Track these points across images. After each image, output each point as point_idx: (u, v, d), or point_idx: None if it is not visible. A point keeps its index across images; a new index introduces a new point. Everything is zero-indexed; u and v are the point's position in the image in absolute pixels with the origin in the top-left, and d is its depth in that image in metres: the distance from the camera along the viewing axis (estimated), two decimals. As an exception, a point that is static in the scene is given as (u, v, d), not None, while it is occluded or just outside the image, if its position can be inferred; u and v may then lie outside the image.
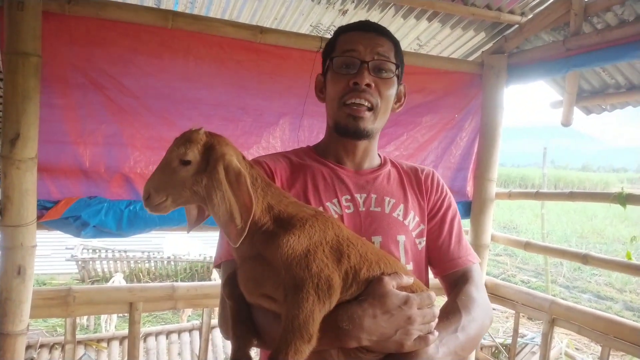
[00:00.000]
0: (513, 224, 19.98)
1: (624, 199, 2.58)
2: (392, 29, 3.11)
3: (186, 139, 1.01)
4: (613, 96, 3.22)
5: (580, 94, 3.33)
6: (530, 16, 3.07)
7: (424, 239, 1.37)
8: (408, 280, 1.06)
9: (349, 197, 1.32)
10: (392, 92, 1.33)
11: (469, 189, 3.30)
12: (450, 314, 1.16)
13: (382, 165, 1.43)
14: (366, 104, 1.27)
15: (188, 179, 1.00)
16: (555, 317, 2.79)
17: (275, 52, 2.57)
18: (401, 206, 1.35)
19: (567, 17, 2.82)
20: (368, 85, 1.26)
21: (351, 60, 1.28)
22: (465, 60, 3.42)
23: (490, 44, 3.31)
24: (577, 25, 2.74)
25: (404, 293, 1.02)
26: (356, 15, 3.00)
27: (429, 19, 3.09)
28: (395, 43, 1.36)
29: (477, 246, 3.24)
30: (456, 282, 1.32)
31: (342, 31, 1.37)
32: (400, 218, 1.33)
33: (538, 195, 3.36)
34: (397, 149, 3.06)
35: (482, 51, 3.32)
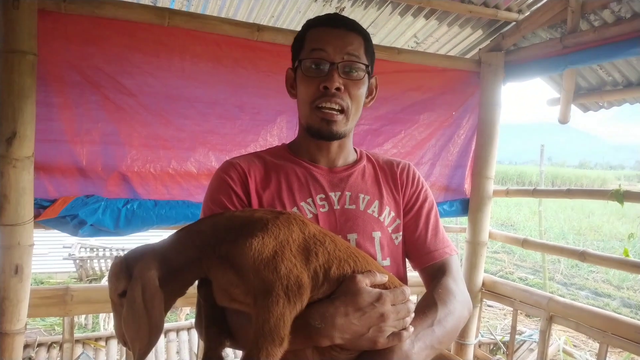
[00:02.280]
0: (511, 221, 20.01)
1: (621, 196, 2.59)
2: (389, 26, 3.16)
3: (110, 275, 1.00)
4: (610, 93, 3.23)
5: (578, 91, 3.34)
6: (527, 13, 3.07)
7: (401, 233, 1.36)
8: (382, 278, 1.05)
9: (323, 195, 1.32)
10: (363, 91, 1.31)
11: (467, 186, 3.30)
12: (426, 307, 1.16)
13: (357, 162, 1.42)
14: (337, 107, 1.26)
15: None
16: (553, 314, 2.80)
17: (273, 50, 2.57)
18: (376, 202, 1.35)
19: (564, 14, 2.82)
20: (338, 88, 1.24)
21: (320, 61, 1.25)
22: (462, 57, 3.42)
23: (488, 42, 3.32)
24: (574, 23, 2.74)
25: (376, 290, 1.01)
26: (353, 13, 3.00)
27: (426, 17, 3.09)
28: (366, 37, 1.32)
29: (475, 243, 3.25)
30: (434, 275, 1.32)
31: (310, 26, 1.33)
32: (376, 214, 1.33)
33: (535, 193, 3.36)
34: (395, 147, 3.07)
35: (480, 49, 3.33)
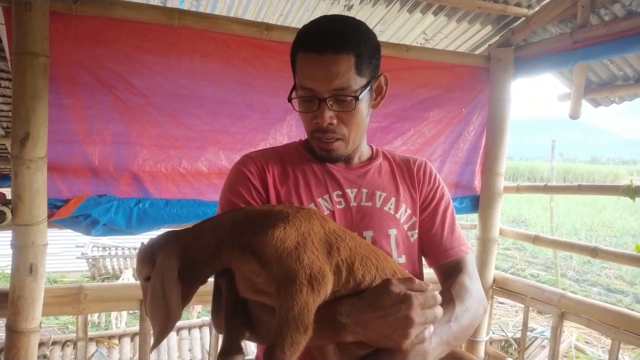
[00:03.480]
0: (522, 218, 19.90)
1: (633, 192, 2.57)
2: (397, 23, 3.15)
3: (137, 260, 1.04)
4: (621, 88, 3.21)
5: (588, 86, 3.32)
6: (537, 8, 3.05)
7: (417, 231, 1.36)
8: (421, 285, 1.02)
9: (340, 192, 1.32)
10: (361, 112, 1.25)
11: (477, 183, 3.29)
12: (444, 304, 1.11)
13: (373, 158, 1.42)
14: (332, 140, 1.25)
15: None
16: (564, 310, 2.78)
17: (281, 49, 2.57)
18: (392, 199, 1.34)
19: (574, 9, 2.80)
20: (331, 123, 1.22)
21: (309, 98, 1.22)
22: (471, 53, 3.41)
23: (497, 37, 3.30)
24: (584, 17, 2.72)
25: (405, 292, 0.99)
26: (362, 10, 3.00)
27: (435, 13, 3.09)
28: (358, 50, 1.18)
29: (486, 240, 3.24)
30: (450, 273, 1.31)
31: (298, 46, 1.24)
32: (392, 212, 1.33)
33: (546, 189, 3.34)
34: (404, 144, 3.06)
35: (489, 44, 3.31)
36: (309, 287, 0.93)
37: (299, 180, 1.32)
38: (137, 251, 1.06)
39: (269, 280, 0.98)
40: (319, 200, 1.29)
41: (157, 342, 0.99)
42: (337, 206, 1.30)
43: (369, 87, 1.24)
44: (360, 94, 1.20)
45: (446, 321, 1.11)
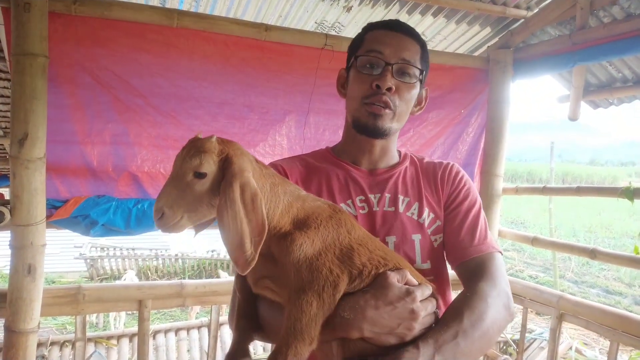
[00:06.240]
0: (520, 219, 19.91)
1: (631, 194, 2.57)
2: (397, 25, 3.14)
3: (198, 148, 0.92)
4: (620, 90, 3.21)
5: (587, 88, 3.32)
6: (535, 10, 3.06)
7: (441, 235, 1.34)
8: (412, 279, 1.05)
9: (363, 197, 1.32)
10: (413, 95, 1.32)
11: (476, 184, 3.29)
12: (450, 317, 1.09)
13: (399, 163, 1.42)
14: (385, 105, 1.27)
15: (204, 193, 0.92)
16: (563, 312, 2.78)
17: (280, 50, 2.58)
18: (416, 204, 1.34)
19: (573, 11, 2.81)
20: (389, 88, 1.25)
21: (376, 60, 1.27)
22: (471, 55, 3.41)
23: (496, 39, 3.30)
24: (583, 19, 2.73)
25: (406, 286, 1.02)
26: (360, 12, 3.00)
27: (434, 15, 3.09)
28: (422, 46, 1.34)
29: (484, 242, 3.24)
30: (469, 276, 1.24)
31: (370, 28, 1.35)
32: (415, 217, 1.32)
33: (545, 191, 3.34)
34: (404, 145, 3.07)
35: (488, 46, 3.32)
36: (319, 301, 0.94)
37: (322, 185, 1.33)
38: (190, 140, 0.96)
39: (284, 283, 0.99)
40: (342, 205, 1.29)
41: (251, 251, 0.91)
42: (360, 211, 1.30)
43: (423, 79, 1.35)
44: (421, 75, 1.31)
45: (452, 338, 1.03)
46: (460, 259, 1.29)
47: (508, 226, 9.65)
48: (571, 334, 6.67)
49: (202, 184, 0.91)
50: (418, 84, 1.32)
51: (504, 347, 5.42)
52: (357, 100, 1.30)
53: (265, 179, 0.99)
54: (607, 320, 2.54)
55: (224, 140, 0.98)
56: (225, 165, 0.92)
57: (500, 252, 1.31)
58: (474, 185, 1.43)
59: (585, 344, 6.68)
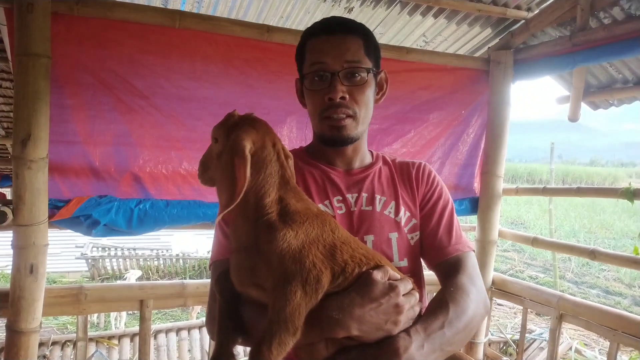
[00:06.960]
0: (521, 220, 19.91)
1: (631, 194, 2.58)
2: (397, 25, 3.16)
3: (222, 120, 1.11)
4: (620, 91, 3.22)
5: (587, 89, 3.33)
6: (536, 11, 3.06)
7: (417, 233, 1.36)
8: (395, 274, 1.08)
9: (340, 197, 1.33)
10: (369, 93, 1.31)
11: (476, 185, 3.30)
12: (437, 308, 1.13)
13: (373, 163, 1.43)
14: (344, 116, 1.27)
15: (214, 155, 1.10)
16: (563, 312, 2.79)
17: (282, 51, 2.58)
18: (392, 203, 1.36)
19: (573, 12, 2.81)
20: (343, 97, 1.25)
21: (321, 72, 1.26)
22: (471, 56, 3.42)
23: (497, 40, 3.31)
24: (584, 21, 2.73)
25: (390, 282, 1.03)
26: (362, 13, 3.00)
27: (435, 16, 3.10)
28: (366, 37, 1.31)
29: (485, 242, 3.25)
30: (448, 273, 1.28)
31: (308, 35, 1.33)
32: (392, 215, 1.34)
33: (545, 191, 3.35)
34: (404, 146, 3.07)
35: (489, 47, 3.32)
36: (303, 291, 0.95)
37: (299, 185, 1.32)
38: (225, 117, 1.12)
39: (267, 275, 1.00)
40: (320, 205, 1.29)
41: (222, 211, 1.01)
42: (338, 211, 1.31)
43: (375, 71, 1.32)
44: (368, 72, 1.28)
45: (439, 327, 1.08)
46: (439, 258, 1.33)
47: (508, 227, 9.65)
48: (571, 335, 6.68)
49: (215, 147, 1.10)
50: (372, 78, 1.31)
51: (504, 348, 5.43)
52: (315, 116, 1.31)
53: (272, 166, 1.07)
54: (607, 320, 2.55)
55: (246, 116, 1.12)
56: (229, 133, 1.06)
57: (473, 250, 1.37)
58: (444, 185, 1.47)
59: (585, 344, 6.69)
